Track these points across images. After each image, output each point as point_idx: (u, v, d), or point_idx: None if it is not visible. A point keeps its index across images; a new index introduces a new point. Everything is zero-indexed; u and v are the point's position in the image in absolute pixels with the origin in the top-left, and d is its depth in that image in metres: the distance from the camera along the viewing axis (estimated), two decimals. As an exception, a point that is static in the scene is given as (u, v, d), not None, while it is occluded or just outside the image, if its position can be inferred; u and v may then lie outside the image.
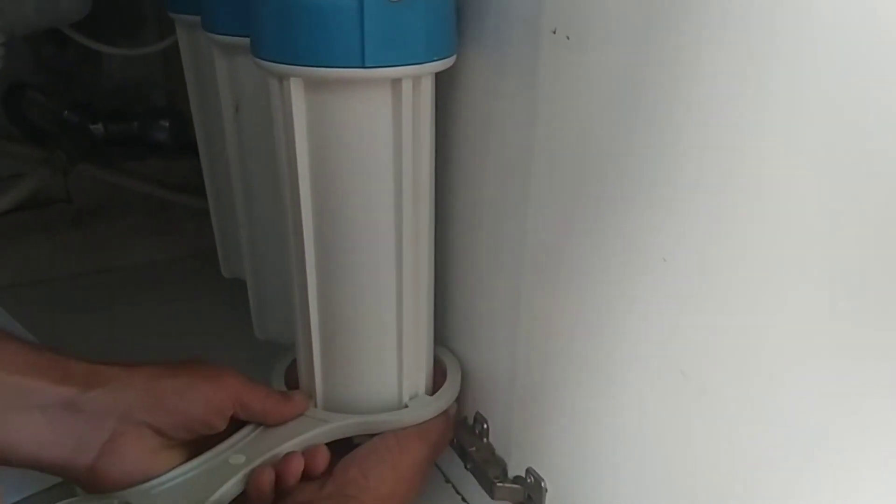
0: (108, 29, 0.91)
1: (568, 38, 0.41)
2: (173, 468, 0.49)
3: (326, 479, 0.51)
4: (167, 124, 0.94)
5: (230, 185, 0.67)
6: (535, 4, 0.42)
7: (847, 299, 0.30)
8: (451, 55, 0.47)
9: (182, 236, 1.02)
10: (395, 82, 0.45)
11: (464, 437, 0.58)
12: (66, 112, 0.96)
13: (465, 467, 0.57)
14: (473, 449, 0.57)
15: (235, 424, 0.52)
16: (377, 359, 0.54)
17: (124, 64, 1.02)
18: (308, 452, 0.50)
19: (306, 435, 0.52)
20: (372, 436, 0.54)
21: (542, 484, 0.51)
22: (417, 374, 0.56)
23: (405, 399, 0.55)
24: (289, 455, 0.50)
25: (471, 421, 0.59)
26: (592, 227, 0.42)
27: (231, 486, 0.48)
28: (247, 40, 0.51)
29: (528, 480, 0.52)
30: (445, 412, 0.57)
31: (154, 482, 0.48)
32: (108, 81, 1.03)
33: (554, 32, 0.42)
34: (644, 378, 0.41)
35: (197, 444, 0.51)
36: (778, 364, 0.34)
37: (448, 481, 0.64)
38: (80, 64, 0.99)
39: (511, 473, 0.55)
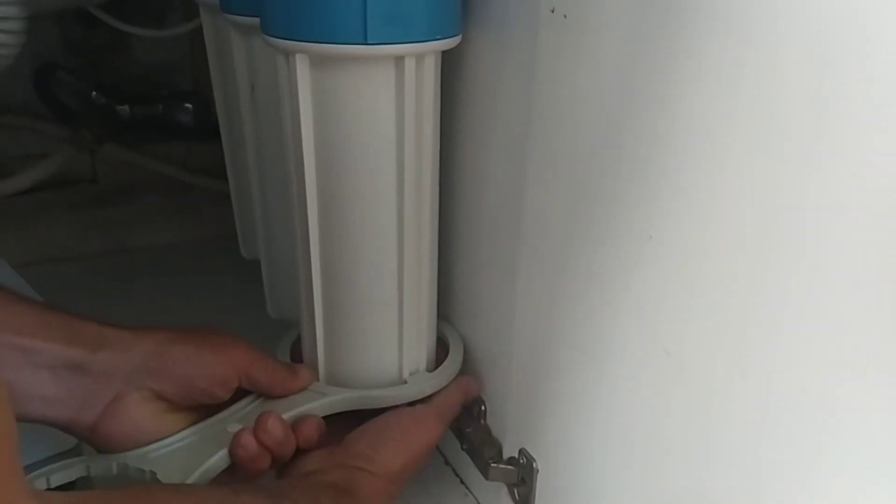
0: (135, 11, 0.93)
1: (565, 16, 0.41)
2: (174, 434, 0.50)
3: (335, 448, 0.52)
4: (191, 107, 0.96)
5: (247, 168, 0.69)
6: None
7: (834, 276, 0.31)
8: (456, 35, 0.48)
9: (204, 218, 1.04)
10: (399, 60, 0.46)
11: (461, 418, 0.58)
12: (94, 93, 0.98)
13: (462, 448, 0.58)
14: (470, 430, 0.57)
15: (240, 392, 0.53)
16: (378, 334, 0.54)
17: (151, 47, 1.04)
18: (298, 422, 0.51)
19: (304, 407, 0.53)
20: (383, 410, 0.54)
21: (534, 464, 0.51)
22: (418, 350, 0.56)
23: (405, 375, 0.56)
24: (272, 420, 0.50)
25: (469, 402, 0.59)
26: (586, 207, 0.43)
27: (226, 454, 0.49)
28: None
29: (521, 461, 0.53)
30: (465, 392, 0.57)
31: (152, 446, 0.49)
32: (135, 65, 1.05)
33: (552, 11, 0.42)
34: (632, 358, 0.42)
35: (200, 411, 0.52)
36: (758, 341, 0.34)
37: (448, 463, 0.65)
38: (108, 46, 1.01)
39: (506, 455, 0.55)
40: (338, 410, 0.54)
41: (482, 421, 0.58)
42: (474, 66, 0.51)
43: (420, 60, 0.46)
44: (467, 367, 0.59)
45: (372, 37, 0.44)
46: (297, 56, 0.46)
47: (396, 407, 0.55)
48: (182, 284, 0.93)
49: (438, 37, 0.46)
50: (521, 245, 0.49)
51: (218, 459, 0.48)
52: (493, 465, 0.55)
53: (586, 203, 0.43)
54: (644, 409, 0.42)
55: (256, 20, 0.55)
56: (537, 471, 0.51)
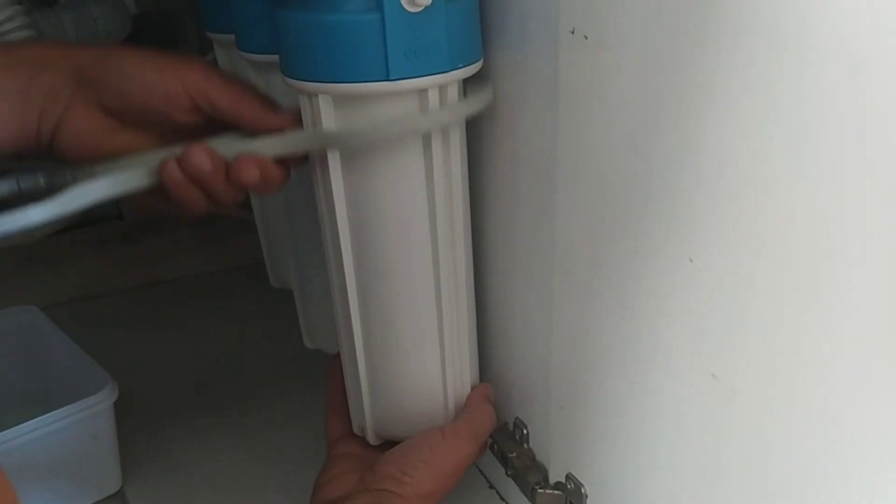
0: (149, 44, 0.93)
1: (586, 37, 0.41)
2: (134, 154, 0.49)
3: (366, 472, 0.51)
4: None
5: (274, 196, 0.69)
6: (553, 5, 0.42)
7: (878, 296, 0.30)
8: (477, 60, 0.48)
9: (230, 248, 1.04)
10: (422, 92, 0.45)
11: (504, 443, 0.58)
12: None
13: (506, 473, 0.57)
14: (514, 455, 0.57)
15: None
16: (421, 376, 0.54)
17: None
18: (235, 159, 0.48)
19: (284, 142, 0.49)
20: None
21: (583, 490, 0.51)
22: (462, 382, 0.56)
23: (451, 408, 0.55)
24: (197, 150, 0.47)
25: (511, 426, 0.58)
26: (618, 228, 0.42)
27: (148, 173, 0.47)
28: (278, 58, 0.52)
29: (569, 486, 0.52)
30: (488, 397, 0.56)
31: (101, 162, 0.48)
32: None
33: (572, 32, 0.41)
34: (676, 381, 0.41)
35: (169, 137, 0.49)
36: (810, 362, 0.33)
37: (492, 487, 0.65)
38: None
39: (552, 479, 0.54)
40: (326, 149, 0.48)
41: (525, 445, 0.57)
42: (496, 88, 0.50)
43: (443, 90, 0.46)
44: (505, 393, 0.58)
45: (394, 73, 0.43)
46: (320, 96, 0.45)
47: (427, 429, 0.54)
48: (214, 316, 0.94)
49: (460, 65, 0.46)
50: (554, 269, 0.48)
51: (141, 176, 0.47)
52: (539, 490, 0.54)
53: (618, 226, 0.42)
54: (694, 433, 0.41)
55: (272, 57, 0.55)
56: (586, 496, 0.50)
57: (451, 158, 0.49)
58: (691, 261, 0.37)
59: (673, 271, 0.39)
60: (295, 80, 0.46)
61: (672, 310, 0.40)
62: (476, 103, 0.49)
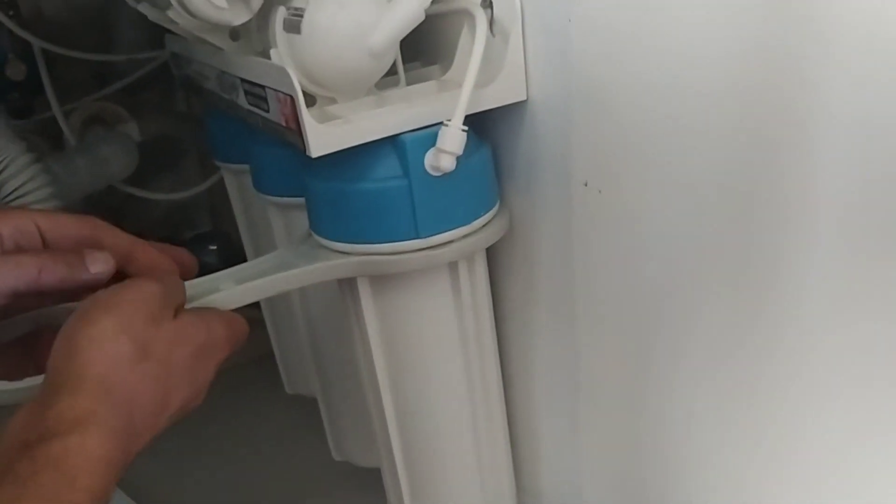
0: (151, 164, 0.97)
1: (600, 192, 0.45)
2: None
3: None
4: (215, 248, 0.99)
5: (286, 305, 0.71)
6: (565, 159, 0.46)
7: None
8: (496, 205, 0.51)
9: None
10: (452, 266, 0.49)
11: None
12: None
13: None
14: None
15: None
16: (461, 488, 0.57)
17: (169, 188, 1.07)
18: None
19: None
20: None
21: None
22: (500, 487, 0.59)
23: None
24: None
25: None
26: (638, 363, 0.46)
27: None
28: (299, 200, 0.56)
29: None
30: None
31: None
32: (155, 209, 1.08)
33: (585, 185, 0.45)
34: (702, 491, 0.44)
35: None
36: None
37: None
38: (126, 199, 1.05)
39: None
40: None
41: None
42: (515, 230, 0.53)
43: (471, 263, 0.50)
44: None
45: (423, 231, 0.47)
46: (358, 280, 0.49)
47: None
48: (230, 423, 0.93)
49: (482, 213, 0.49)
50: (580, 397, 0.52)
51: None
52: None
53: (639, 360, 0.46)
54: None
55: (293, 199, 0.59)
56: None
57: (477, 281, 0.52)
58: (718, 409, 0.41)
59: (694, 395, 0.42)
60: (330, 241, 0.49)
61: (698, 435, 0.43)
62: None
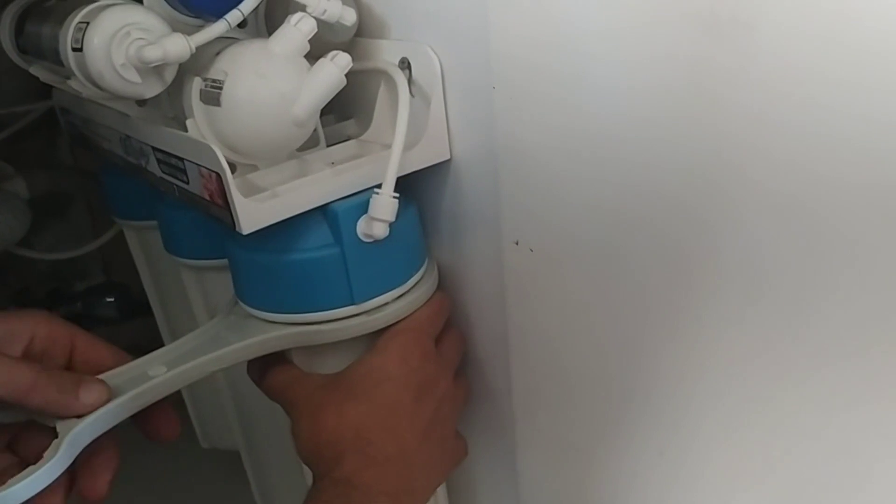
0: (39, 221, 0.92)
1: (531, 250, 0.46)
2: None
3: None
4: (112, 300, 0.95)
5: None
6: (495, 219, 0.47)
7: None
8: (424, 263, 0.51)
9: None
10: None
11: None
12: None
13: None
14: None
15: None
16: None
17: (57, 243, 1.02)
18: None
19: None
20: None
21: None
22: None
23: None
24: None
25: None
26: (580, 428, 0.47)
27: None
28: (215, 262, 0.55)
29: None
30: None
31: None
32: (41, 262, 1.02)
33: (516, 244, 0.46)
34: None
35: None
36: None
37: None
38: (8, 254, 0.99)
39: None
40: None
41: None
42: (442, 286, 0.53)
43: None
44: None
45: (358, 297, 0.47)
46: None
47: None
48: (149, 476, 0.89)
49: (412, 273, 0.50)
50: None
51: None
52: None
53: (581, 424, 0.47)
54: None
55: (209, 262, 0.58)
56: None
57: None
58: (661, 454, 0.43)
59: (643, 465, 0.44)
60: (260, 311, 0.48)
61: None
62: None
